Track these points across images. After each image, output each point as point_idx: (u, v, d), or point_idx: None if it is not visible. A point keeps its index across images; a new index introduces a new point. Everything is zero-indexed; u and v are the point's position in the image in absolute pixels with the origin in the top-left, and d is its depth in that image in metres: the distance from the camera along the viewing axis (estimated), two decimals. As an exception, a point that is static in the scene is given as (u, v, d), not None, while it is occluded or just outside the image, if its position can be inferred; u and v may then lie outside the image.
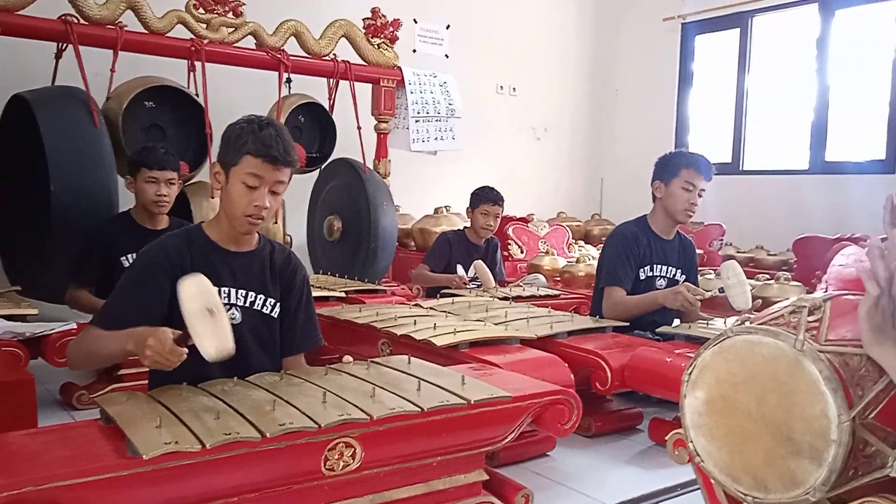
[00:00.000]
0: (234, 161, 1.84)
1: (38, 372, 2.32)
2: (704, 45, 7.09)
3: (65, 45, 3.69)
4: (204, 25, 3.99)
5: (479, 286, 3.99)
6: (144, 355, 1.56)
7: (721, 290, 2.77)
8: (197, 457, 1.39)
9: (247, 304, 1.94)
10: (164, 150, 3.18)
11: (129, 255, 3.03)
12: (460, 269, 4.01)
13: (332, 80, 4.57)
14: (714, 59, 7.04)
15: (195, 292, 1.51)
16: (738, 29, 6.70)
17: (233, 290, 1.92)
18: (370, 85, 4.79)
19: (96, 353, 1.78)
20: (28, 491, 1.25)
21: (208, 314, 1.49)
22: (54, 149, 3.28)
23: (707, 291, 2.83)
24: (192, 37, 3.97)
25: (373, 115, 4.83)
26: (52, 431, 1.60)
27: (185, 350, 1.55)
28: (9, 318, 2.71)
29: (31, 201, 3.49)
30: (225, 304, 1.88)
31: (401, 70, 4.80)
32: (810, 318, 1.38)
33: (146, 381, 1.95)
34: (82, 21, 3.64)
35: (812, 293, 3.93)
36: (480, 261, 3.93)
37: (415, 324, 2.65)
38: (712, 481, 1.48)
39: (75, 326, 2.73)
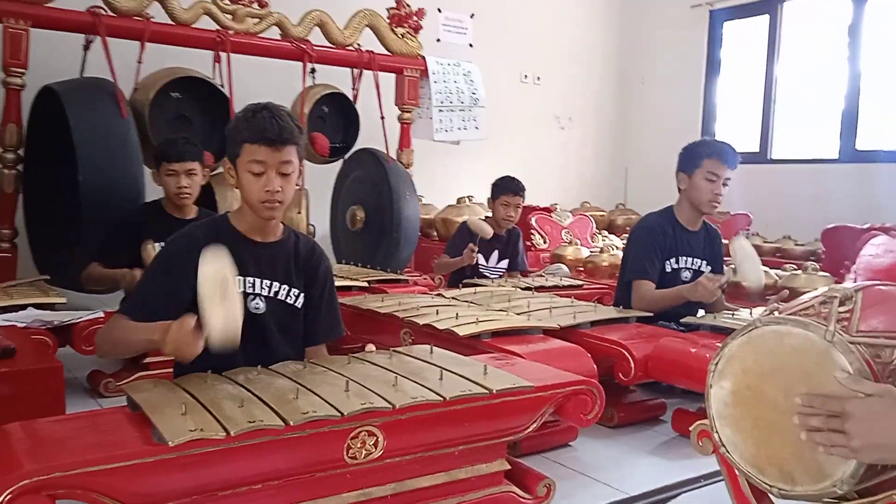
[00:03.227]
0: (236, 153, 1.85)
1: (67, 360, 2.35)
2: (733, 32, 6.98)
3: (93, 36, 3.73)
4: (229, 16, 4.01)
5: (500, 275, 3.98)
6: (165, 342, 1.58)
7: (734, 270, 2.74)
8: (221, 444, 1.40)
9: (271, 294, 1.95)
10: (185, 140, 3.14)
11: (158, 244, 3.06)
12: (481, 258, 4.00)
13: (355, 70, 4.57)
14: (743, 46, 6.94)
15: (212, 269, 1.57)
16: (768, 15, 6.59)
17: (258, 280, 1.93)
18: (394, 75, 4.79)
19: (123, 343, 1.81)
20: (56, 476, 1.27)
21: (220, 293, 1.55)
22: (83, 139, 3.32)
23: (722, 276, 2.80)
24: (218, 28, 3.99)
25: (396, 105, 4.83)
26: (80, 418, 1.62)
27: (202, 338, 1.56)
28: (37, 306, 2.76)
29: (59, 191, 3.54)
30: (250, 294, 1.91)
31: (424, 60, 4.80)
32: (841, 309, 1.35)
33: (171, 370, 1.97)
34: (110, 13, 3.68)
35: (840, 284, 3.87)
36: (473, 218, 3.93)
37: (437, 313, 2.65)
38: (737, 472, 1.47)
39: (102, 315, 2.76)
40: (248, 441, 1.43)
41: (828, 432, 1.23)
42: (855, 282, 3.45)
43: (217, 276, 1.57)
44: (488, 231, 3.84)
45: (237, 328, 1.57)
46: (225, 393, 1.62)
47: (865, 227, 4.46)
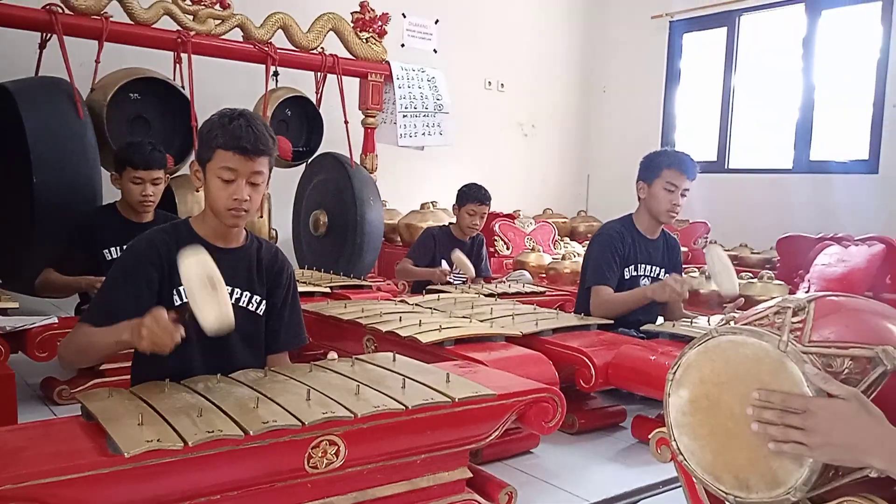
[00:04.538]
0: (207, 157, 1.82)
1: (19, 367, 2.30)
2: (692, 44, 7.12)
3: (49, 34, 3.65)
4: (191, 17, 3.95)
5: (463, 281, 3.99)
6: (141, 336, 1.53)
7: (707, 276, 2.76)
8: (179, 455, 1.38)
9: (233, 301, 1.92)
10: (151, 146, 3.09)
11: (113, 248, 3.01)
12: (444, 264, 4.00)
13: (319, 73, 4.55)
14: (701, 57, 7.08)
15: (196, 263, 1.56)
16: (726, 28, 6.74)
17: (218, 287, 1.91)
18: (358, 79, 4.77)
19: (90, 349, 1.75)
20: (7, 489, 1.24)
21: (209, 285, 1.54)
22: (38, 140, 3.24)
23: (693, 279, 2.84)
24: (179, 28, 3.93)
25: (360, 109, 4.81)
26: (33, 428, 1.58)
27: (181, 328, 1.55)
28: (-11, 311, 2.69)
29: (12, 192, 3.45)
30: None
31: (389, 65, 4.79)
32: (794, 319, 1.38)
33: (129, 377, 1.94)
34: (67, 11, 3.60)
35: (794, 292, 3.97)
36: (458, 251, 3.92)
37: (400, 320, 2.64)
38: (694, 480, 1.49)
39: (56, 320, 2.70)
40: (206, 451, 1.41)
41: (783, 427, 1.25)
42: (808, 291, 3.55)
43: (201, 268, 1.56)
44: (471, 272, 3.87)
45: (231, 321, 1.56)
46: (183, 402, 1.60)
47: (818, 236, 4.57)
